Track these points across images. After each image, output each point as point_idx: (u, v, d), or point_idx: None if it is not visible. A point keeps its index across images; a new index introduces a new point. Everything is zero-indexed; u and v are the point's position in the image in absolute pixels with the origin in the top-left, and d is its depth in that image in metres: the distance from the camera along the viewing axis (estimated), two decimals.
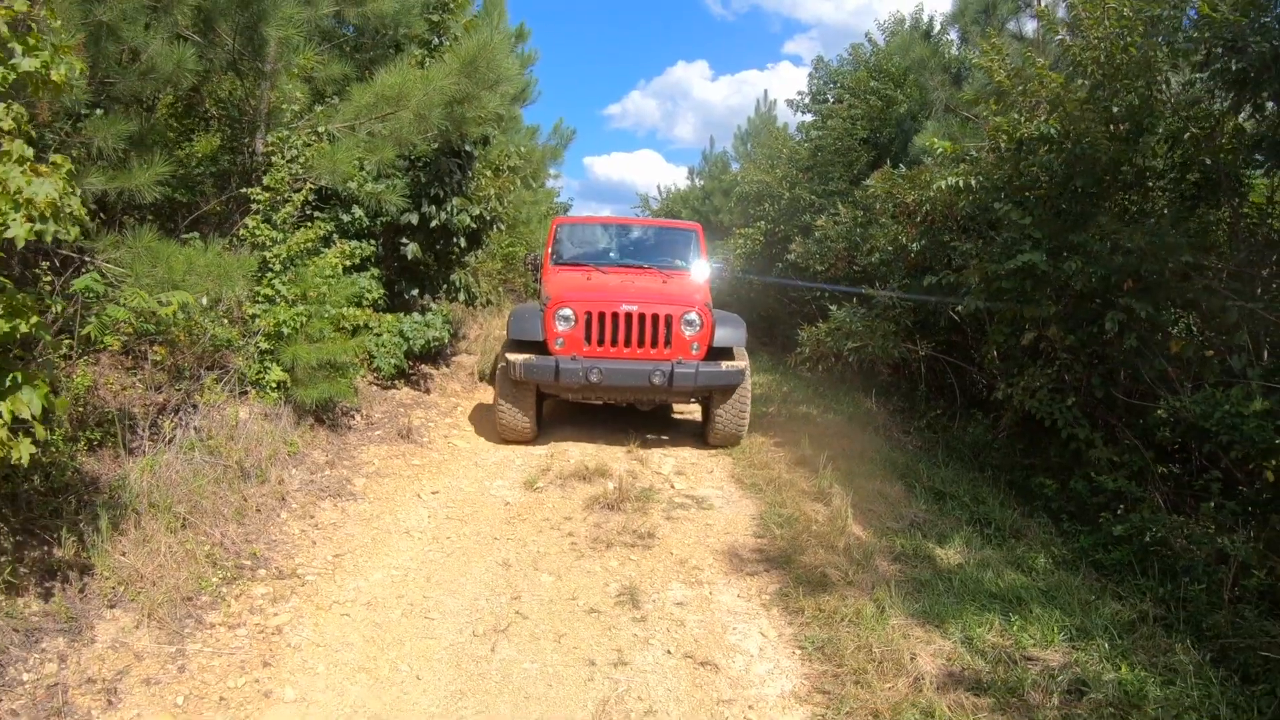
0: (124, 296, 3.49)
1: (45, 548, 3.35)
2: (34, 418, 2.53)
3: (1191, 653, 3.23)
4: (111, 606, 3.21)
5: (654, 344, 5.89)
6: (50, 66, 2.67)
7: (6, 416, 2.44)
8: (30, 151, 2.49)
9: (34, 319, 2.53)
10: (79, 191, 2.50)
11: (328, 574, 3.75)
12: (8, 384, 2.58)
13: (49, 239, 2.30)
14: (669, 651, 3.20)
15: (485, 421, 6.74)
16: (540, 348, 5.93)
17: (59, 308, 3.33)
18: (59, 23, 2.84)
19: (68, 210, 2.32)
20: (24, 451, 2.47)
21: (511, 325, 6.16)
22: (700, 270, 7.14)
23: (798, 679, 3.05)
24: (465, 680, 2.95)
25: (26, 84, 2.75)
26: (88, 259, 3.99)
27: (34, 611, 3.09)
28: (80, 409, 4.04)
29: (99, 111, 4.63)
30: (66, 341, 3.86)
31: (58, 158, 2.54)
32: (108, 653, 2.99)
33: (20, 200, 2.23)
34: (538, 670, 3.03)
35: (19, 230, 2.22)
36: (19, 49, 2.64)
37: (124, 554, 3.43)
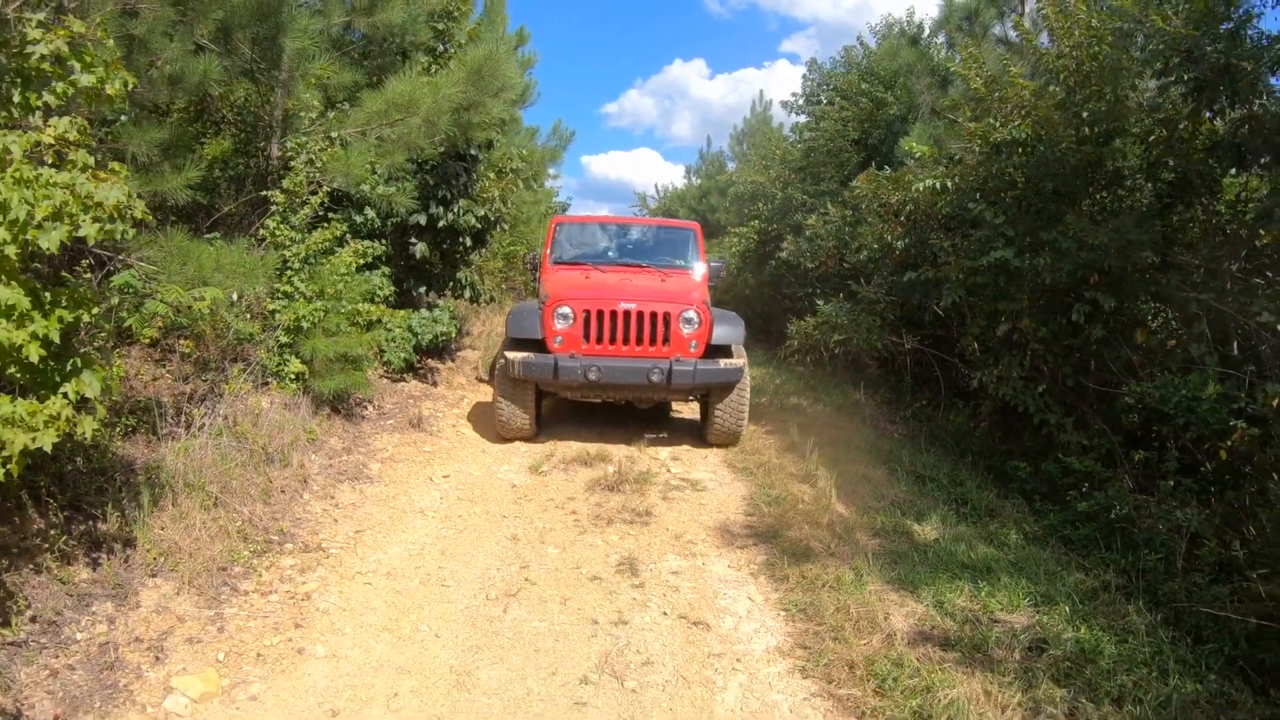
0: (161, 292, 3.79)
1: (91, 522, 3.64)
2: (95, 398, 2.83)
3: (1145, 615, 3.51)
4: (153, 575, 3.51)
5: (652, 342, 5.91)
6: (105, 81, 2.96)
7: (73, 396, 2.74)
8: (91, 159, 2.79)
9: (95, 310, 2.82)
10: (133, 195, 2.79)
11: (350, 548, 4.05)
12: (69, 368, 2.88)
13: (118, 237, 2.59)
14: (665, 613, 3.51)
15: (489, 414, 7.00)
16: (539, 346, 5.96)
17: (116, 300, 3.62)
18: (111, 41, 3.13)
19: (130, 212, 2.62)
20: (88, 427, 2.76)
21: (510, 323, 6.18)
22: (698, 269, 7.16)
23: (781, 636, 3.36)
24: (480, 637, 3.26)
25: (80, 97, 3.05)
26: (120, 257, 4.29)
27: (84, 579, 3.38)
28: (115, 398, 4.34)
29: (123, 119, 4.92)
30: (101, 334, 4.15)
31: (115, 165, 2.84)
32: (152, 615, 3.28)
33: (90, 203, 2.53)
34: (546, 628, 3.33)
35: (89, 230, 2.52)
36: (78, 66, 2.94)
37: (163, 528, 3.73)
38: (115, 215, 2.54)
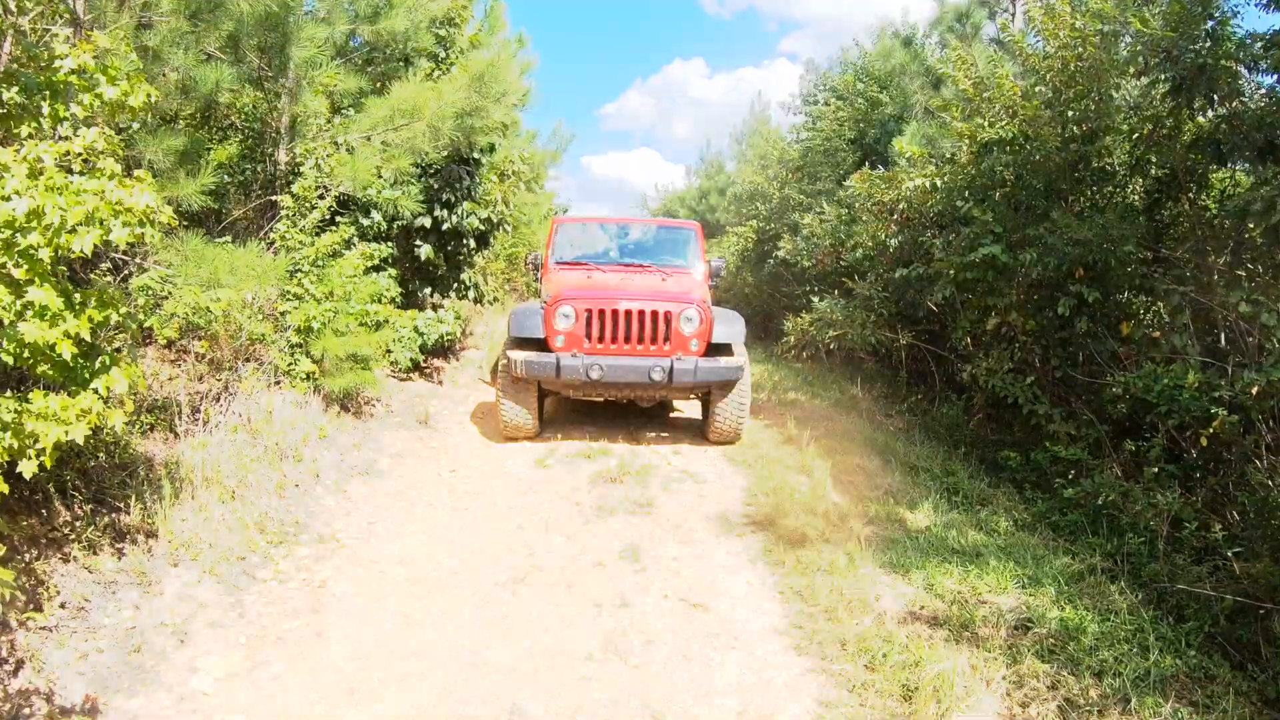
0: (180, 293, 3.95)
1: (115, 514, 3.80)
2: (123, 393, 2.98)
3: (1128, 595, 3.66)
4: (175, 565, 3.67)
5: (654, 340, 5.93)
6: (129, 94, 3.12)
7: (103, 391, 2.89)
8: (119, 167, 2.94)
9: (123, 309, 2.98)
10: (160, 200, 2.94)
11: (363, 538, 4.21)
12: (97, 366, 3.04)
13: (147, 241, 2.75)
14: (666, 596, 3.67)
15: (493, 412, 7.12)
16: (541, 345, 5.99)
17: (142, 301, 3.78)
18: (135, 55, 3.29)
19: (157, 217, 2.77)
20: (117, 419, 2.91)
21: (513, 323, 6.21)
22: (699, 268, 7.16)
23: (777, 617, 3.51)
24: (490, 620, 3.41)
25: (104, 109, 3.21)
26: (137, 261, 4.45)
27: (109, 568, 3.54)
28: (139, 393, 4.50)
29: (134, 126, 5.07)
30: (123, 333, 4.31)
31: (140, 172, 2.99)
32: (176, 602, 3.44)
33: (120, 209, 2.68)
34: (553, 610, 3.49)
35: (120, 234, 2.67)
36: (103, 79, 3.10)
37: (183, 520, 3.89)
38: (144, 220, 2.70)
